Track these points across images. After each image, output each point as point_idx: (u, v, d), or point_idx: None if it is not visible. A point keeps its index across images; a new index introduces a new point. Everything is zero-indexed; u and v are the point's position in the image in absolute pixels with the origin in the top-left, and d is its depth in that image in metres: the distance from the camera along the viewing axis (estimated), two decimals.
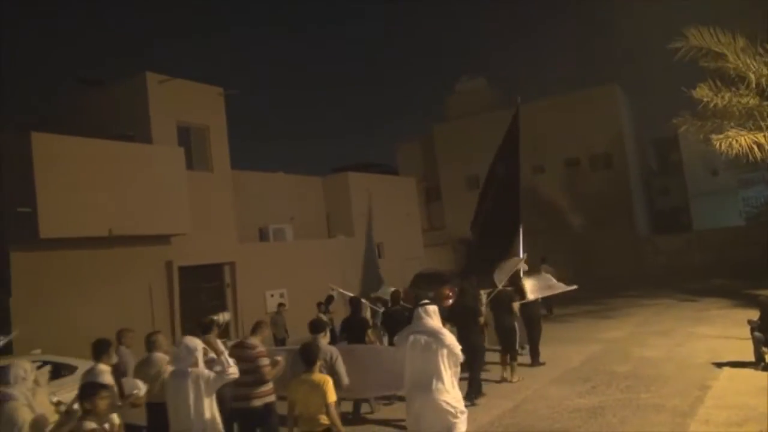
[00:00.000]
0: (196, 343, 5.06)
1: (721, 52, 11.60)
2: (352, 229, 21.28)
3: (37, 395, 4.46)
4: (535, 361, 10.17)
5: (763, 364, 8.24)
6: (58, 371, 7.70)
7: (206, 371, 4.91)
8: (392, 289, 10.98)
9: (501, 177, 12.12)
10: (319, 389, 4.62)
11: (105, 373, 5.23)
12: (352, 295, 10.70)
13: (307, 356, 4.78)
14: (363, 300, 10.32)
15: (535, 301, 10.41)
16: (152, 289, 13.32)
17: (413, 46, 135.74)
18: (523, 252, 10.38)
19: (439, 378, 5.18)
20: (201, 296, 15.04)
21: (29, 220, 10.77)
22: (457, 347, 5.33)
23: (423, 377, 5.24)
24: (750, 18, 12.20)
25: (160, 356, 6.01)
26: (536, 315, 10.45)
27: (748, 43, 11.49)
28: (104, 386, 4.19)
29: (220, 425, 4.96)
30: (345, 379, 5.86)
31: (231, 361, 4.97)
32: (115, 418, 4.70)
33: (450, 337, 5.37)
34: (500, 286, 9.77)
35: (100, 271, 12.22)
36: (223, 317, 5.91)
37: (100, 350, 5.42)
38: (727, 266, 20.38)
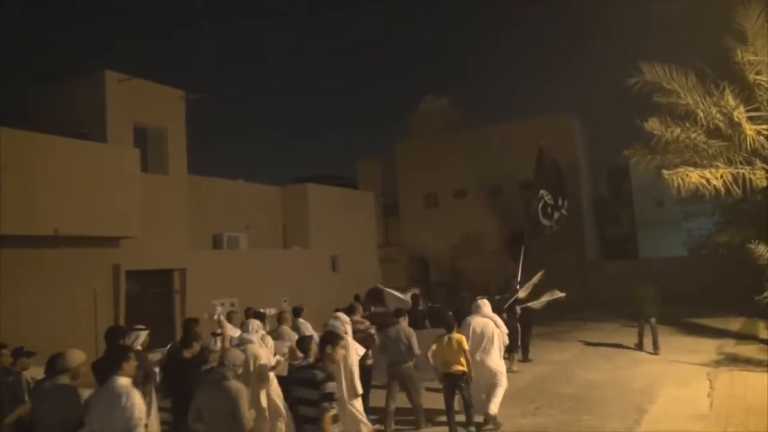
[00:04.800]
0: (346, 318, 7.56)
1: (673, 89, 12.11)
2: (308, 240, 21.15)
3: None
4: (525, 357, 12.08)
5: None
6: None
7: (350, 338, 7.09)
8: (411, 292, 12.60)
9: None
10: (457, 344, 7.09)
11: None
12: (402, 296, 12.20)
13: (447, 324, 7.34)
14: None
15: (530, 308, 12.09)
16: (97, 292, 12.87)
17: (384, 62, 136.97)
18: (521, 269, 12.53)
19: (493, 348, 7.71)
20: (147, 302, 14.63)
21: None
22: (505, 329, 8.09)
23: (481, 347, 7.67)
24: (702, 57, 12.81)
25: (286, 329, 8.48)
26: (530, 320, 12.24)
27: (699, 81, 12.02)
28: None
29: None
30: (417, 350, 7.64)
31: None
32: None
33: (500, 321, 8.12)
34: (521, 296, 11.82)
35: (43, 272, 11.73)
36: (269, 311, 8.98)
37: (296, 313, 8.93)
38: (669, 295, 21.10)
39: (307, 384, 4.37)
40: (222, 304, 13.51)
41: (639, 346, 12.64)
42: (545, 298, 12.11)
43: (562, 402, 8.71)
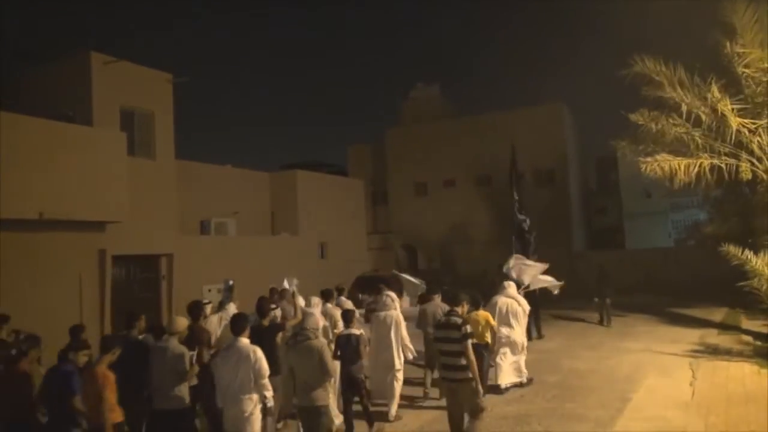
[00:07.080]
0: (395, 295, 8.37)
1: (661, 81, 12.20)
2: (297, 227, 21.10)
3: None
4: (539, 334, 13.42)
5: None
6: None
7: (399, 313, 8.10)
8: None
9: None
10: (484, 320, 8.12)
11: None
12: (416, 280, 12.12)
13: (474, 302, 8.02)
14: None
15: (534, 290, 12.37)
16: (82, 277, 12.76)
17: (376, 49, 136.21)
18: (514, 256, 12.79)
19: (517, 322, 9.05)
20: (134, 287, 14.54)
21: None
22: (527, 306, 9.34)
23: (505, 322, 8.95)
24: (691, 50, 12.91)
25: (331, 307, 8.96)
26: (536, 303, 12.79)
27: (687, 74, 12.12)
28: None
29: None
30: None
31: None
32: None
33: (524, 301, 9.34)
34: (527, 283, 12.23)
35: (28, 257, 11.59)
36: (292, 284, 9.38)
37: (339, 292, 9.89)
38: (655, 285, 21.35)
39: (449, 327, 5.89)
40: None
41: (600, 322, 15.15)
42: (536, 281, 12.14)
43: (547, 390, 8.81)
